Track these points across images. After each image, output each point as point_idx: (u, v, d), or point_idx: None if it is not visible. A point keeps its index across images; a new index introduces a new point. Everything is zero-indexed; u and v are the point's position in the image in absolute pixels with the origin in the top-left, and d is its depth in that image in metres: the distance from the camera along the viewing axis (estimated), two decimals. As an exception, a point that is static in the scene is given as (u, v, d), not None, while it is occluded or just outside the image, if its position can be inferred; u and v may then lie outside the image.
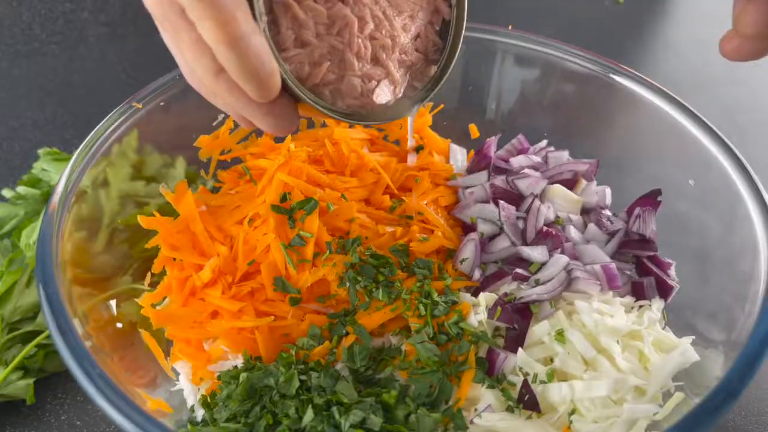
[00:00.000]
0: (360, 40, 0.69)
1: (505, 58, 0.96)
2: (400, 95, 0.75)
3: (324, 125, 0.96)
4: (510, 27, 0.96)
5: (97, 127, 0.78)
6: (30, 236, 0.92)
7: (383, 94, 0.72)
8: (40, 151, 1.04)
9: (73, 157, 0.74)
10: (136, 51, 1.44)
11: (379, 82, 0.72)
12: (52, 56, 1.40)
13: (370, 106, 0.72)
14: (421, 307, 0.75)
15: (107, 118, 0.79)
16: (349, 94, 0.71)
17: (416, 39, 0.74)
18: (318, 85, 0.68)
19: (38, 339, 0.83)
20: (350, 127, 0.91)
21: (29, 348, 0.82)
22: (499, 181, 0.88)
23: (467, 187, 0.90)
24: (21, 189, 1.01)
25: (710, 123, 0.82)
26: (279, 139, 0.91)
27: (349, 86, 0.70)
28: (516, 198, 0.87)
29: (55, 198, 0.69)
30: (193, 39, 0.54)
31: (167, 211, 0.82)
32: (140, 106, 0.81)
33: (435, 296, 0.76)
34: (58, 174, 1.02)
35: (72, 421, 0.82)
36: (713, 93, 1.42)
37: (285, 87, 0.61)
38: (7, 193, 1.02)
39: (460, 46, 0.75)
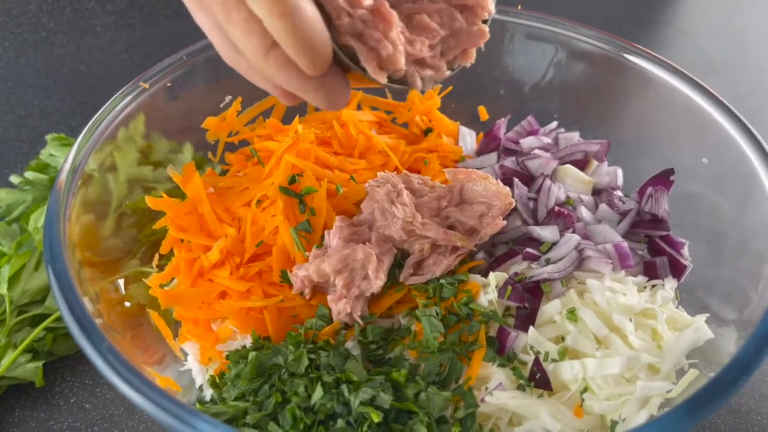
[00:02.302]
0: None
1: (515, 38, 0.95)
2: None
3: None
4: (519, 7, 0.95)
5: (105, 106, 0.78)
6: (38, 220, 0.92)
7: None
8: (48, 137, 1.04)
9: (80, 136, 0.74)
10: (143, 39, 1.44)
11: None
12: (59, 45, 1.40)
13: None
14: (430, 289, 0.74)
15: (114, 97, 0.79)
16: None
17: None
18: None
19: (47, 321, 0.83)
20: (358, 108, 0.91)
21: (38, 330, 0.82)
22: (509, 162, 0.88)
23: (477, 169, 0.89)
24: (29, 174, 1.01)
25: (727, 102, 0.80)
26: (286, 121, 0.91)
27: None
28: (526, 179, 0.86)
29: (62, 176, 0.69)
30: (243, 17, 0.53)
31: (175, 196, 0.82)
32: (147, 86, 0.81)
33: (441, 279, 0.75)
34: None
35: (81, 404, 0.82)
36: (725, 78, 1.40)
37: (335, 59, 0.59)
38: (15, 179, 1.02)
39: None
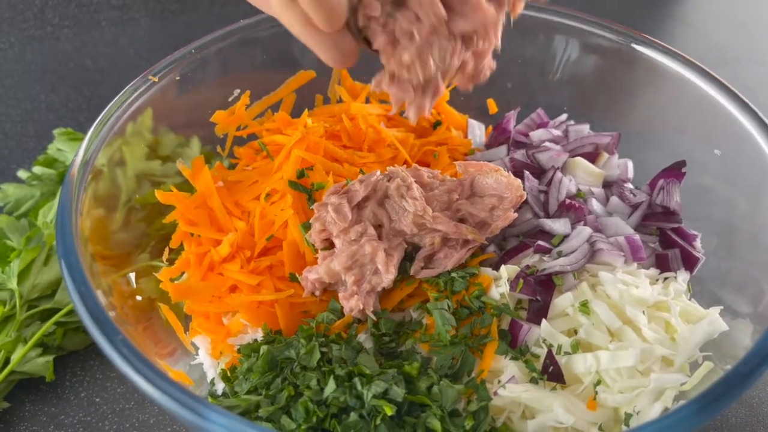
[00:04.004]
0: None
1: (525, 30, 0.95)
2: None
3: (340, 101, 0.95)
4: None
5: (114, 100, 0.77)
6: (47, 215, 0.92)
7: None
8: (56, 131, 1.04)
9: (91, 129, 0.74)
10: (148, 34, 1.44)
11: None
12: (65, 40, 1.40)
13: None
14: (441, 283, 0.74)
15: (123, 91, 0.78)
16: None
17: None
18: None
19: (57, 316, 0.83)
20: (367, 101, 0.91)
21: (48, 325, 0.82)
22: (519, 155, 0.87)
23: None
24: (37, 169, 1.01)
25: (741, 95, 0.80)
26: (295, 114, 0.90)
27: None
28: (536, 172, 0.85)
29: (74, 170, 0.69)
30: None
31: (183, 190, 0.82)
32: (156, 79, 0.80)
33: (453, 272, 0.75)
34: (73, 154, 1.01)
35: (91, 398, 0.82)
36: (734, 71, 1.39)
37: (348, 25, 0.63)
38: (22, 174, 1.02)
39: None
